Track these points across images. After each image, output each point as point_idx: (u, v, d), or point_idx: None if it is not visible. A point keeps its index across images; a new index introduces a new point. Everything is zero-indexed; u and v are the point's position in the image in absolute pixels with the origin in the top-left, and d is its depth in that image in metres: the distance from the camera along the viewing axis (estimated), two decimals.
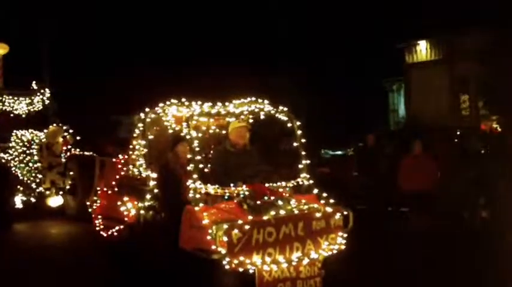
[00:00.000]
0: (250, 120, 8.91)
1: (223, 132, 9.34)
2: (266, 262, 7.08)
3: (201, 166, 7.89)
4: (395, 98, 32.73)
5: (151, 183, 8.57)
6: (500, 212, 11.77)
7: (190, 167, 7.74)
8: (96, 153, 15.92)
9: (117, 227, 9.26)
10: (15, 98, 16.72)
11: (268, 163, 8.78)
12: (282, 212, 7.35)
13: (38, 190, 15.84)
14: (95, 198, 10.43)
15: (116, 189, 9.68)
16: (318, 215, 7.49)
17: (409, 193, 12.88)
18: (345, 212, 7.78)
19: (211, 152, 9.43)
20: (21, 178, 15.80)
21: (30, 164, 15.94)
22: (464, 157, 13.84)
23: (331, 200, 7.87)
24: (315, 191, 8.16)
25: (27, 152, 16.00)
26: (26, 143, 16.03)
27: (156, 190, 8.50)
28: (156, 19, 31.61)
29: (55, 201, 15.96)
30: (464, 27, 23.70)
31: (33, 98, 16.96)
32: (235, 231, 6.90)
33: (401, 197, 13.44)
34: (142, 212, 8.67)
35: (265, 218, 7.19)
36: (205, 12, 32.21)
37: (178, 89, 10.87)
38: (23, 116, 16.81)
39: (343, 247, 7.66)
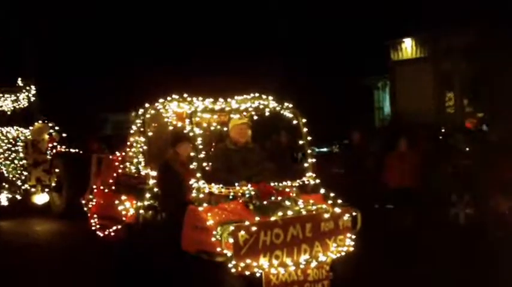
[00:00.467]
0: (255, 117, 8.67)
1: (225, 129, 9.06)
2: (273, 264, 6.82)
3: (204, 164, 7.64)
4: (380, 96, 32.78)
5: (151, 181, 8.31)
6: (484, 209, 11.85)
7: (193, 166, 7.48)
8: (81, 150, 15.82)
9: (114, 227, 8.99)
10: (0, 95, 16.48)
11: (271, 160, 8.54)
12: (290, 212, 7.10)
13: (23, 187, 15.66)
14: (91, 196, 10.13)
15: (113, 187, 9.41)
16: (326, 216, 7.24)
17: (394, 190, 12.78)
18: (354, 213, 7.56)
19: (212, 149, 9.15)
20: (6, 175, 15.63)
21: (16, 161, 15.76)
22: (449, 154, 13.84)
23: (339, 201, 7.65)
24: (322, 190, 7.94)
25: (13, 149, 15.83)
26: (11, 140, 15.87)
27: (156, 189, 8.24)
28: (150, 17, 31.52)
29: (41, 198, 15.79)
30: (449, 25, 23.74)
31: (18, 95, 16.70)
32: (242, 233, 6.62)
33: (386, 194, 13.36)
34: (141, 211, 8.40)
35: (272, 219, 6.93)
36: (194, 12, 32.10)
37: (169, 87, 10.59)
38: (8, 113, 16.54)
39: (351, 248, 7.45)
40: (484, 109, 24.01)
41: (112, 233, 9.06)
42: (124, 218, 8.72)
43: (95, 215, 9.72)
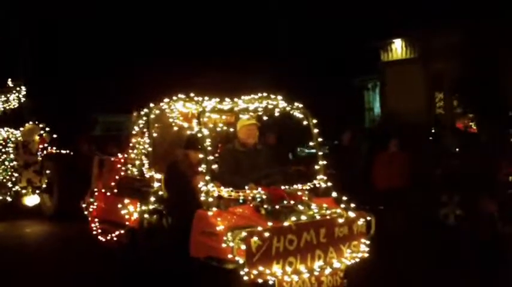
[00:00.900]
0: (265, 118, 8.42)
1: (231, 130, 8.79)
2: (287, 272, 6.54)
3: (213, 166, 7.36)
4: (370, 96, 32.80)
5: (156, 184, 8.05)
6: (474, 209, 11.62)
7: (201, 168, 7.21)
8: (71, 151, 15.61)
9: (117, 232, 8.70)
10: None
11: (280, 163, 8.30)
12: (303, 217, 6.83)
13: (14, 189, 15.36)
14: (92, 199, 9.83)
15: (115, 190, 9.12)
16: (340, 221, 7.01)
17: (384, 191, 12.64)
18: (368, 218, 7.33)
19: (218, 151, 8.88)
20: None
21: (6, 163, 15.45)
22: (439, 155, 13.80)
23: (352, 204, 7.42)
24: (334, 194, 7.70)
25: (3, 150, 15.51)
26: (1, 142, 15.56)
27: (161, 192, 7.97)
28: (150, 17, 31.19)
29: (31, 200, 15.51)
30: (439, 25, 23.74)
31: (8, 95, 16.39)
32: (255, 239, 6.31)
33: (376, 195, 13.23)
34: (146, 216, 8.12)
35: (285, 224, 6.64)
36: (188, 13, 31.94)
37: (169, 87, 10.34)
38: None
39: (366, 255, 7.21)
40: (472, 109, 23.97)
41: (114, 238, 8.79)
42: (127, 223, 8.47)
43: (96, 219, 9.46)
